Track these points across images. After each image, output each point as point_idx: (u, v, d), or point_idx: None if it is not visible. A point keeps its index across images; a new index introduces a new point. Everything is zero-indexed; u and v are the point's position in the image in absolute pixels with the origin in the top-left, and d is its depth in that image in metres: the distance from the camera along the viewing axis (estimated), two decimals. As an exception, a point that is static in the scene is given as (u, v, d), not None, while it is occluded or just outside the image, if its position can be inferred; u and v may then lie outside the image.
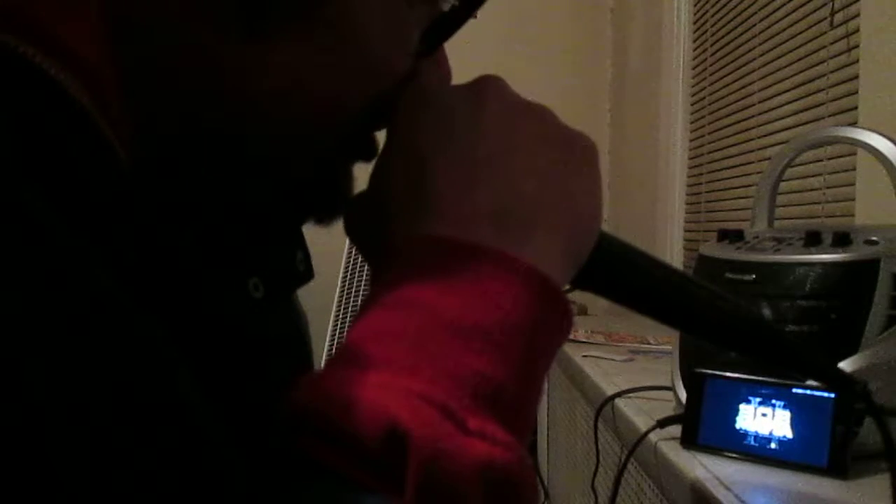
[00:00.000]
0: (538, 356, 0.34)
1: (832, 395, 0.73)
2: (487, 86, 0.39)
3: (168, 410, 0.27)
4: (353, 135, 0.41)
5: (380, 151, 0.40)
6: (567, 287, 0.38)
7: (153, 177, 0.35)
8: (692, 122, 2.27)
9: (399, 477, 0.29)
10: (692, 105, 2.27)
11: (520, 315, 0.33)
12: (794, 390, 0.75)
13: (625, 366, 1.37)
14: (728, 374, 0.80)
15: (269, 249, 0.43)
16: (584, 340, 1.62)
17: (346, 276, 2.43)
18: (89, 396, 0.24)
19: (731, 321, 0.44)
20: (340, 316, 2.38)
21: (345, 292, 2.42)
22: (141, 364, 0.27)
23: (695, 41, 2.28)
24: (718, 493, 0.69)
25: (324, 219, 0.43)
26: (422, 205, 0.36)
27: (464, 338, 0.32)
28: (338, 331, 2.36)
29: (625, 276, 0.43)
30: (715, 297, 0.44)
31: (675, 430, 0.84)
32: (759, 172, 1.67)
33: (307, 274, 0.46)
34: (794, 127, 1.59)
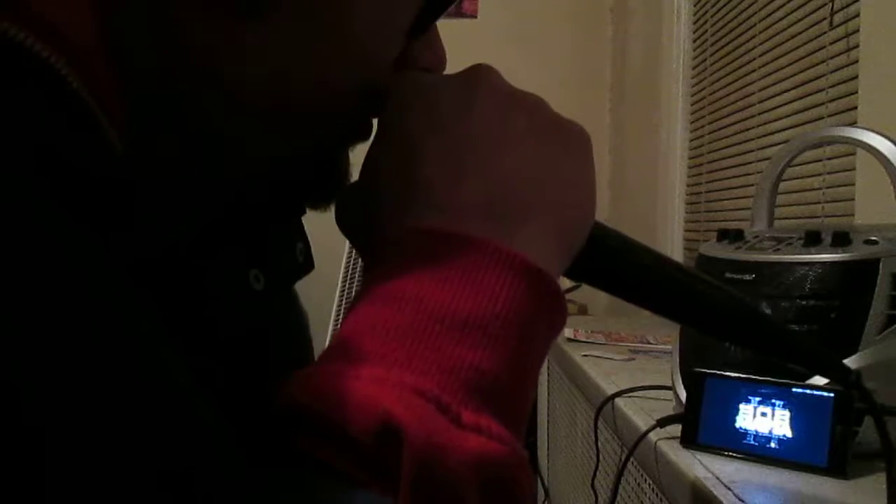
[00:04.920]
0: (532, 348, 0.34)
1: (832, 395, 0.73)
2: (480, 75, 0.39)
3: (165, 407, 0.26)
4: (351, 120, 0.40)
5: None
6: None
7: (149, 167, 0.34)
8: (692, 122, 2.27)
9: (393, 472, 0.28)
10: (692, 105, 2.28)
11: (513, 307, 0.33)
12: (794, 390, 0.75)
13: (625, 365, 1.37)
14: (728, 373, 0.80)
15: (269, 240, 0.42)
16: (584, 340, 1.62)
17: (347, 275, 2.43)
18: (83, 396, 0.24)
19: (730, 312, 0.44)
20: (341, 314, 2.38)
21: (346, 290, 2.42)
22: (137, 362, 0.26)
23: (695, 41, 2.28)
24: (718, 492, 0.69)
25: (319, 204, 0.42)
26: (412, 194, 0.36)
27: (456, 331, 0.32)
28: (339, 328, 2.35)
29: (622, 266, 0.42)
30: (713, 289, 0.44)
31: (675, 429, 0.84)
32: (759, 172, 1.67)
33: (307, 265, 0.46)
34: (794, 127, 1.59)
